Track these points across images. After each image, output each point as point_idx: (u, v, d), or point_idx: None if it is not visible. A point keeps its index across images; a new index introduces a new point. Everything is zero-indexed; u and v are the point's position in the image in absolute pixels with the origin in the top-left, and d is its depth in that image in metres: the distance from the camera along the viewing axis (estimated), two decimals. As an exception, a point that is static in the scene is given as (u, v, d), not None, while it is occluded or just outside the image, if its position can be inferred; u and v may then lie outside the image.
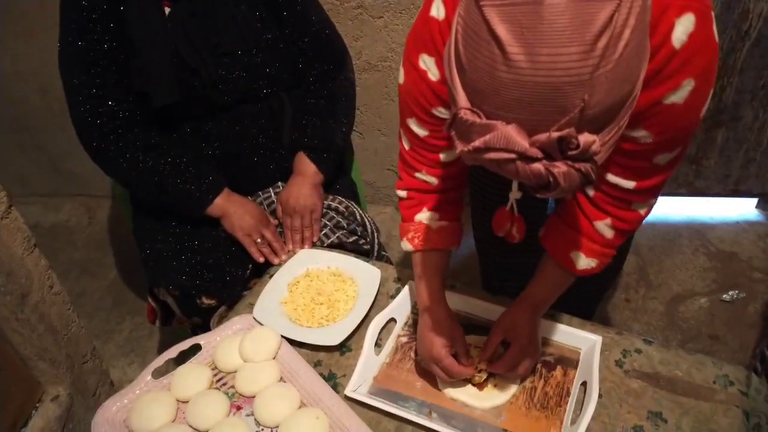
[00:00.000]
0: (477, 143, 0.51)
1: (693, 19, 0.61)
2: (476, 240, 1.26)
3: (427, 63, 0.76)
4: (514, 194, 0.83)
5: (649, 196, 0.80)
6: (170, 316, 1.27)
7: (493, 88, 0.49)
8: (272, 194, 1.26)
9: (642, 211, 0.82)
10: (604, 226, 0.82)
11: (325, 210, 1.23)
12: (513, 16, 0.46)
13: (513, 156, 0.50)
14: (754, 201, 1.94)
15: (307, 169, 1.20)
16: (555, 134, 0.48)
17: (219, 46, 1.10)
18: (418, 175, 0.90)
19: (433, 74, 0.76)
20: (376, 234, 1.26)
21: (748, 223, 1.89)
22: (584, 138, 0.49)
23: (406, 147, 0.89)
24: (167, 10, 1.08)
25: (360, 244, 1.21)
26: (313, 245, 1.19)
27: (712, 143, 1.80)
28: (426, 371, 0.91)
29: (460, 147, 0.53)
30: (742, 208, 1.94)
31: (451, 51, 0.53)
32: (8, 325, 1.21)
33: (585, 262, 0.85)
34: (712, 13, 0.64)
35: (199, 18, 1.08)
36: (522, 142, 0.49)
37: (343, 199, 1.25)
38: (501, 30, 0.46)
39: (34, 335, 1.24)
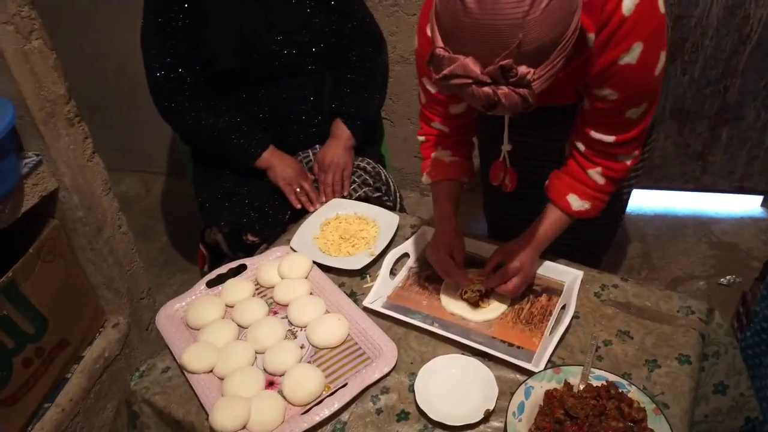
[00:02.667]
0: (445, 72, 0.69)
1: None
2: (484, 199, 1.43)
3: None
4: (505, 146, 1.02)
5: (631, 148, 0.95)
6: (218, 261, 1.48)
7: (456, 30, 0.67)
8: (310, 154, 1.47)
9: (628, 162, 0.97)
10: (596, 174, 0.97)
11: (354, 169, 1.43)
12: None
13: (469, 81, 0.68)
14: (760, 199, 2.05)
15: (342, 133, 1.41)
16: (498, 63, 0.66)
17: (275, 26, 1.32)
18: (433, 124, 1.09)
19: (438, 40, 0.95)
20: (398, 193, 1.45)
21: (752, 218, 2.00)
22: (522, 69, 0.66)
23: (423, 101, 1.08)
24: (234, -7, 1.31)
25: (383, 201, 1.40)
26: (343, 197, 1.38)
27: (717, 140, 1.94)
28: (431, 293, 1.09)
29: (434, 75, 0.71)
30: (748, 205, 2.05)
31: (433, 6, 0.72)
32: (84, 254, 1.43)
33: (579, 203, 1.00)
34: None
35: (261, 1, 1.30)
36: (475, 70, 0.67)
37: (371, 161, 1.45)
38: None
39: (104, 265, 1.46)
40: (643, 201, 2.12)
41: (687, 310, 1.02)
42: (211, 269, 1.50)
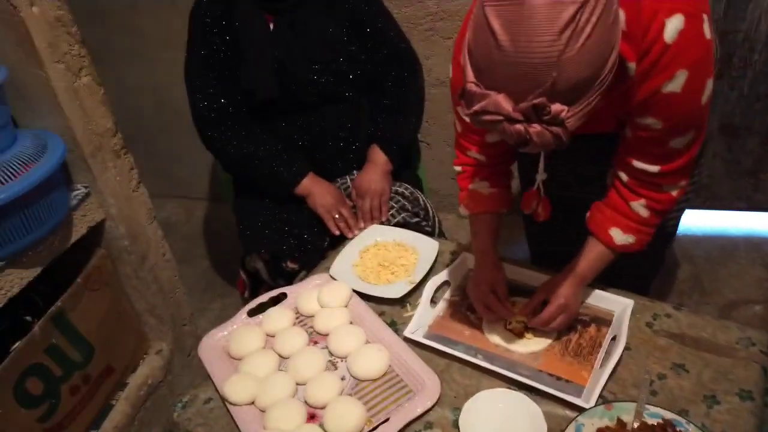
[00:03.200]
0: (476, 107, 0.68)
1: (682, 18, 0.75)
2: (525, 221, 1.40)
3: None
4: (540, 175, 0.99)
5: (676, 178, 0.91)
6: (258, 287, 1.49)
7: (488, 66, 0.66)
8: (348, 180, 1.47)
9: (674, 193, 0.92)
10: (639, 206, 0.93)
11: (392, 194, 1.42)
12: (503, 13, 0.63)
13: (501, 118, 0.67)
14: (818, 218, 1.95)
15: (378, 158, 1.41)
16: (532, 101, 0.64)
17: (313, 55, 1.34)
18: (469, 153, 1.07)
19: None
20: (436, 218, 1.43)
21: (810, 238, 1.91)
22: (556, 107, 0.65)
23: (459, 129, 1.06)
24: (272, 25, 1.34)
25: (422, 226, 1.39)
26: (381, 223, 1.37)
27: (770, 157, 1.86)
28: (473, 323, 1.06)
29: (465, 111, 0.70)
30: (804, 225, 1.95)
31: (465, 39, 0.71)
32: (129, 282, 1.47)
33: (623, 238, 0.96)
34: (704, 16, 0.78)
35: (297, 31, 1.33)
36: (507, 107, 0.65)
37: (409, 185, 1.45)
38: (495, 23, 0.64)
39: (148, 293, 1.49)
40: (692, 221, 2.04)
41: (747, 341, 0.97)
42: (251, 295, 1.51)
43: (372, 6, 1.41)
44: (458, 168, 1.11)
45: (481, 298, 1.03)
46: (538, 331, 1.02)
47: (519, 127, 0.66)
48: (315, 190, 1.37)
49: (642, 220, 0.94)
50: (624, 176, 0.94)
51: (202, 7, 1.35)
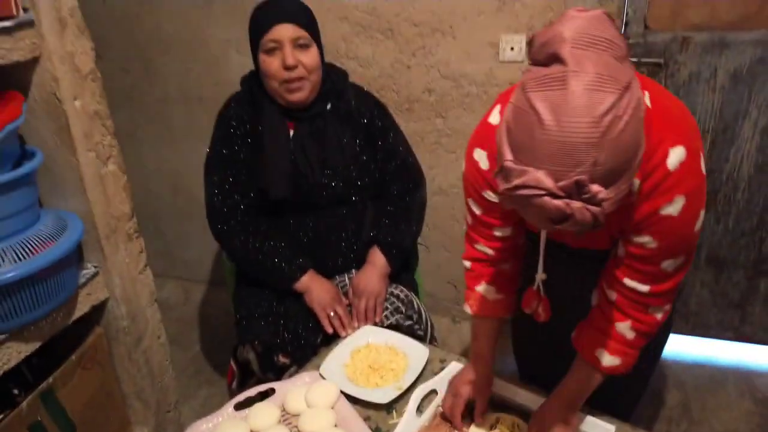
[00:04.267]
0: (516, 182, 0.69)
1: (684, 151, 0.82)
2: (513, 332, 1.41)
3: (480, 155, 0.97)
4: (540, 276, 1.04)
5: (663, 301, 0.95)
6: (246, 378, 1.49)
7: (530, 145, 0.68)
8: (346, 279, 1.52)
9: (658, 316, 0.96)
10: (625, 328, 0.96)
11: (387, 296, 1.47)
12: (548, 96, 0.67)
13: (541, 193, 0.68)
14: (806, 354, 1.97)
15: (378, 261, 1.47)
16: (574, 178, 0.66)
17: (326, 161, 1.44)
18: (477, 246, 1.09)
19: (484, 164, 0.96)
20: (429, 322, 1.47)
21: (798, 374, 1.91)
22: (595, 187, 0.68)
23: (469, 221, 1.09)
24: (292, 131, 1.45)
25: (414, 329, 1.42)
26: (375, 324, 1.41)
27: (755, 291, 1.91)
28: None
29: (502, 186, 0.72)
30: (793, 360, 1.97)
31: (503, 123, 0.73)
32: (121, 363, 1.48)
33: (609, 359, 0.98)
34: (701, 153, 0.86)
35: (314, 139, 1.44)
36: (549, 183, 0.67)
37: (404, 289, 1.49)
38: (539, 105, 0.67)
39: (138, 375, 1.50)
40: (682, 347, 2.06)
41: (726, 479, 0.97)
42: (239, 386, 1.51)
43: (385, 121, 1.53)
44: (467, 263, 1.13)
45: (455, 396, 1.05)
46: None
47: (560, 202, 0.68)
48: (313, 286, 1.42)
49: (628, 342, 0.97)
50: (613, 295, 0.97)
51: (230, 111, 1.47)
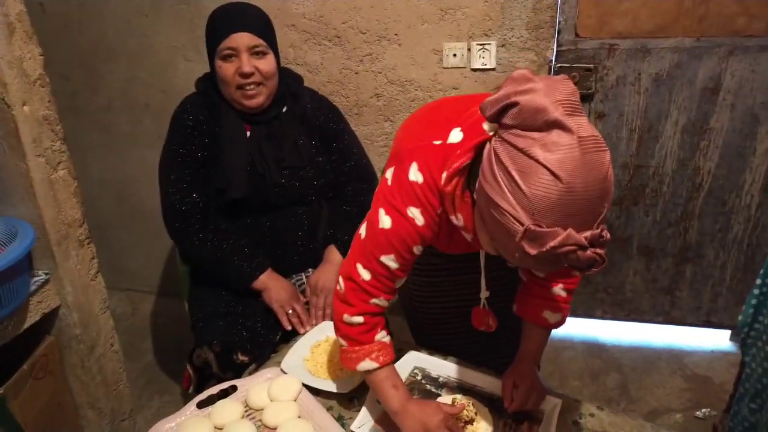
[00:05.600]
0: (551, 243, 0.74)
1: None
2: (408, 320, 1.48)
3: (413, 212, 0.97)
4: (483, 293, 1.18)
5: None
6: (204, 382, 1.50)
7: (551, 207, 0.74)
8: (303, 277, 1.56)
9: (578, 273, 1.00)
10: (559, 289, 1.14)
11: (345, 294, 1.51)
12: (563, 160, 0.73)
13: (576, 248, 0.74)
14: (728, 333, 2.14)
15: (334, 258, 1.51)
16: (597, 230, 0.75)
17: (282, 161, 1.48)
18: (373, 300, 1.05)
19: (419, 221, 0.98)
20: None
21: (722, 352, 2.09)
22: (605, 231, 0.77)
23: (367, 278, 1.03)
24: (249, 132, 1.48)
25: (371, 325, 1.47)
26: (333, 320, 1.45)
27: (682, 277, 2.07)
28: None
29: (534, 250, 0.75)
30: (717, 339, 2.14)
31: (502, 188, 0.77)
32: (73, 371, 1.45)
33: (554, 317, 1.15)
34: None
35: (271, 140, 1.47)
36: (581, 238, 0.74)
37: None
38: (557, 169, 0.73)
39: (92, 384, 1.47)
40: (620, 333, 2.21)
41: (660, 440, 1.07)
42: (196, 391, 1.51)
43: (339, 124, 1.59)
44: (359, 319, 1.05)
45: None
46: (481, 420, 1.10)
47: (590, 253, 0.75)
48: (271, 285, 1.45)
49: (564, 299, 1.15)
50: (540, 272, 1.14)
51: (186, 111, 1.48)
